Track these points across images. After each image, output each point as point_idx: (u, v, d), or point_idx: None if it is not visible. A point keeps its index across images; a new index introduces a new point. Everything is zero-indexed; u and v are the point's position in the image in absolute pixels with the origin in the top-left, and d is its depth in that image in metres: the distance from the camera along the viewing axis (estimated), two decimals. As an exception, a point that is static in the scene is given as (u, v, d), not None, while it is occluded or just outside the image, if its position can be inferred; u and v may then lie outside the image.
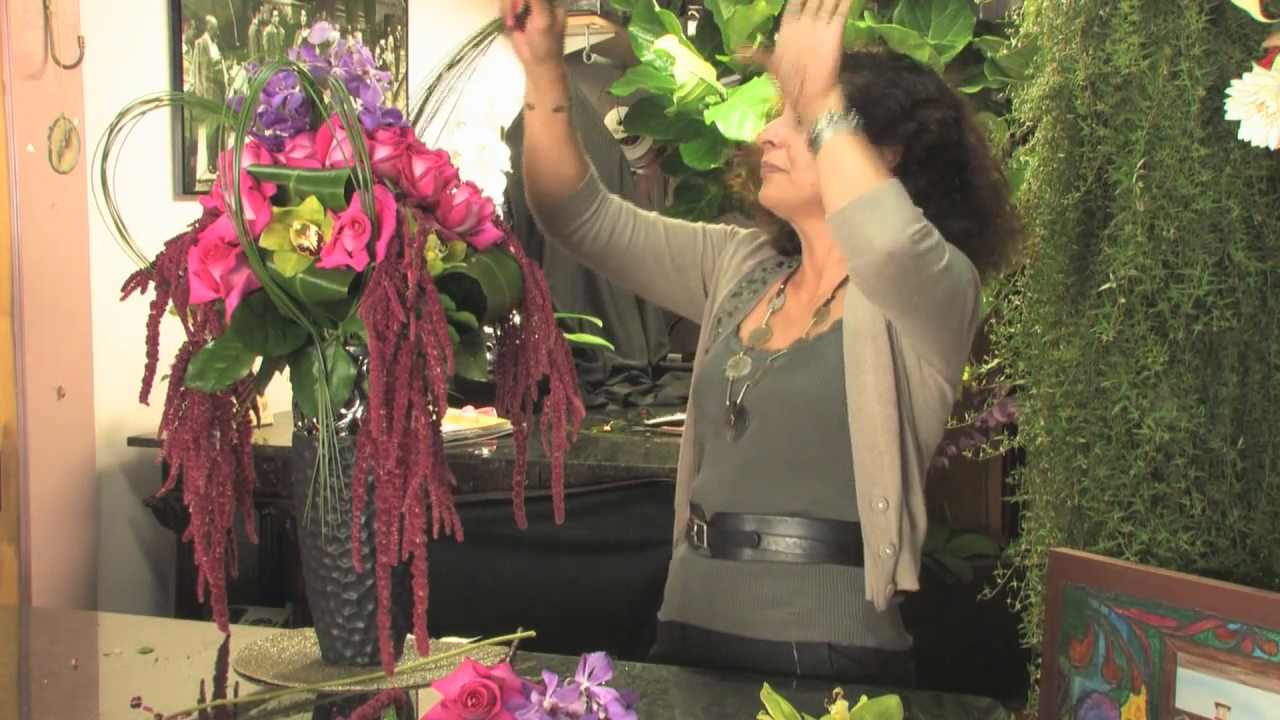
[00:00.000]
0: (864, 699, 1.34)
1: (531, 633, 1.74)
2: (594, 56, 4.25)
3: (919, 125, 1.80)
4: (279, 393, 1.65)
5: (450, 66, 1.80)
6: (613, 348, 3.80)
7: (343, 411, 1.59)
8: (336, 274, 1.49)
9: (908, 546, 1.78)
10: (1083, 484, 2.03)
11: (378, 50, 3.88)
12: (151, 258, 1.59)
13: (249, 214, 1.50)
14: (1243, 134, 1.76)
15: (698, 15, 4.03)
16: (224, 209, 1.51)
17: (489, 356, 1.68)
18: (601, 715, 1.25)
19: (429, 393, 1.49)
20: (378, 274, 1.47)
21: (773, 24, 3.69)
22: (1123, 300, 1.93)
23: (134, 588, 3.20)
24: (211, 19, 3.27)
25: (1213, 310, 1.89)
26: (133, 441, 3.09)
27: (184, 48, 3.20)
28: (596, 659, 1.27)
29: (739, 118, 3.43)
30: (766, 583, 1.80)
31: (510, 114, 3.80)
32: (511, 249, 1.63)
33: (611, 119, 4.28)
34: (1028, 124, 2.20)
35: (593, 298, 3.91)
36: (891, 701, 1.35)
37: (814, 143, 1.67)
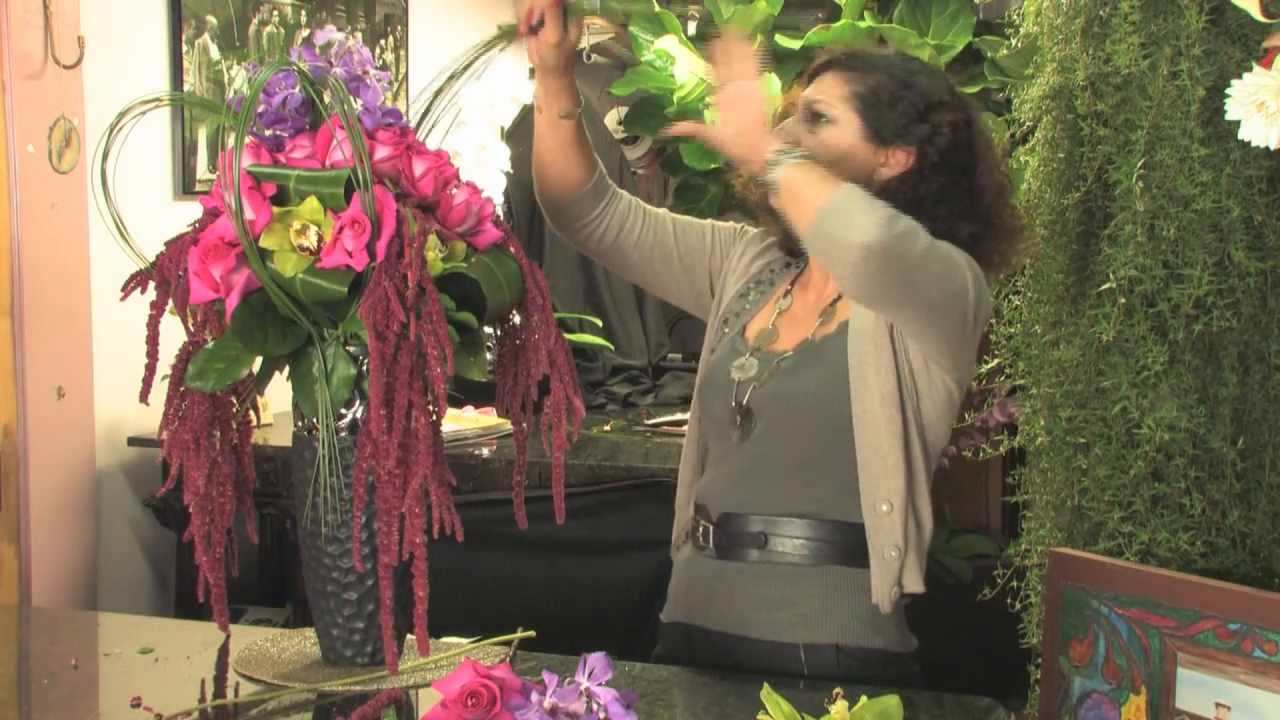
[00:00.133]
0: (864, 699, 1.34)
1: (531, 633, 1.74)
2: (594, 56, 4.24)
3: (932, 129, 1.81)
4: (279, 393, 1.65)
5: (462, 70, 1.80)
6: (613, 348, 3.80)
7: (343, 411, 1.59)
8: (336, 274, 1.49)
9: (913, 549, 1.77)
10: (1083, 484, 2.03)
11: (378, 50, 3.88)
12: (151, 258, 1.59)
13: (249, 214, 1.50)
14: (1243, 134, 1.76)
15: (698, 15, 4.03)
16: (224, 209, 1.51)
17: (489, 356, 1.68)
18: (601, 715, 1.25)
19: (429, 393, 1.49)
20: (378, 274, 1.47)
21: (772, 24, 3.70)
22: (1123, 300, 1.93)
23: (134, 588, 3.20)
24: (211, 19, 3.27)
25: (1213, 310, 1.89)
26: (133, 441, 3.09)
27: (184, 48, 3.20)
28: (596, 659, 1.27)
29: (739, 118, 3.42)
30: (773, 584, 1.80)
31: (510, 114, 3.81)
32: (511, 249, 1.63)
33: (611, 119, 4.28)
34: (1028, 124, 2.20)
35: (593, 298, 3.91)
36: (891, 701, 1.35)
37: (770, 190, 1.68)
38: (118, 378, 3.00)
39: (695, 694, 1.67)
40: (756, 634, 1.80)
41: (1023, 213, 2.09)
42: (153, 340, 1.56)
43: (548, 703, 1.25)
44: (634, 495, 2.91)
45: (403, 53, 3.99)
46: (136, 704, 1.54)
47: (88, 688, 1.69)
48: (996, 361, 2.37)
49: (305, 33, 3.54)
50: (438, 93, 1.80)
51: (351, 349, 1.55)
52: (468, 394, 3.13)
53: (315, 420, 1.58)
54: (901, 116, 1.81)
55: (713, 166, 3.75)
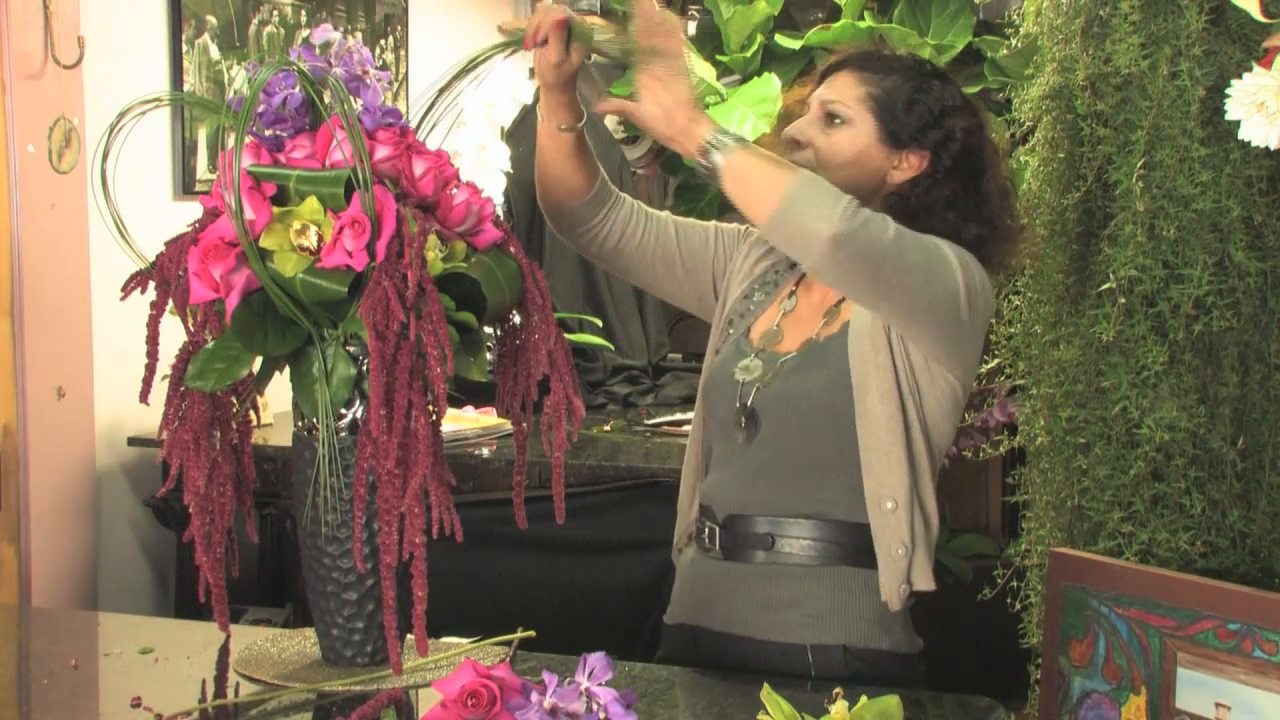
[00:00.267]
0: (864, 699, 1.34)
1: (531, 633, 1.74)
2: (594, 56, 4.24)
3: (946, 134, 1.81)
4: (279, 393, 1.65)
5: (463, 72, 1.80)
6: (613, 348, 3.80)
7: (343, 411, 1.59)
8: (336, 274, 1.49)
9: (921, 546, 1.77)
10: (1083, 484, 2.03)
11: (378, 50, 3.88)
12: (151, 258, 1.59)
13: (249, 214, 1.50)
14: (1243, 134, 1.76)
15: (698, 15, 4.03)
16: (224, 209, 1.51)
17: (489, 356, 1.68)
18: (601, 715, 1.25)
19: (429, 393, 1.49)
20: (378, 274, 1.47)
21: (772, 24, 3.70)
22: (1123, 300, 1.93)
23: (134, 588, 3.20)
24: (211, 19, 3.27)
25: (1213, 310, 1.89)
26: (133, 441, 3.09)
27: (184, 48, 3.20)
28: (596, 659, 1.27)
29: (739, 118, 3.43)
30: (780, 585, 1.80)
31: (510, 114, 3.80)
32: (511, 249, 1.63)
33: (611, 119, 4.28)
34: (1028, 124, 2.20)
35: (593, 298, 3.91)
36: (891, 702, 1.35)
37: (711, 174, 1.68)
38: (118, 378, 3.00)
39: (695, 694, 1.67)
40: (763, 635, 1.80)
41: (1023, 213, 2.09)
42: (153, 340, 1.56)
43: (548, 703, 1.25)
44: (634, 495, 2.91)
45: (403, 53, 3.99)
46: (136, 704, 1.54)
47: (88, 688, 1.69)
48: (996, 361, 2.37)
49: (305, 33, 3.54)
50: (440, 91, 1.79)
51: (351, 349, 1.55)
52: (468, 394, 3.13)
53: (315, 420, 1.58)
54: (918, 120, 1.81)
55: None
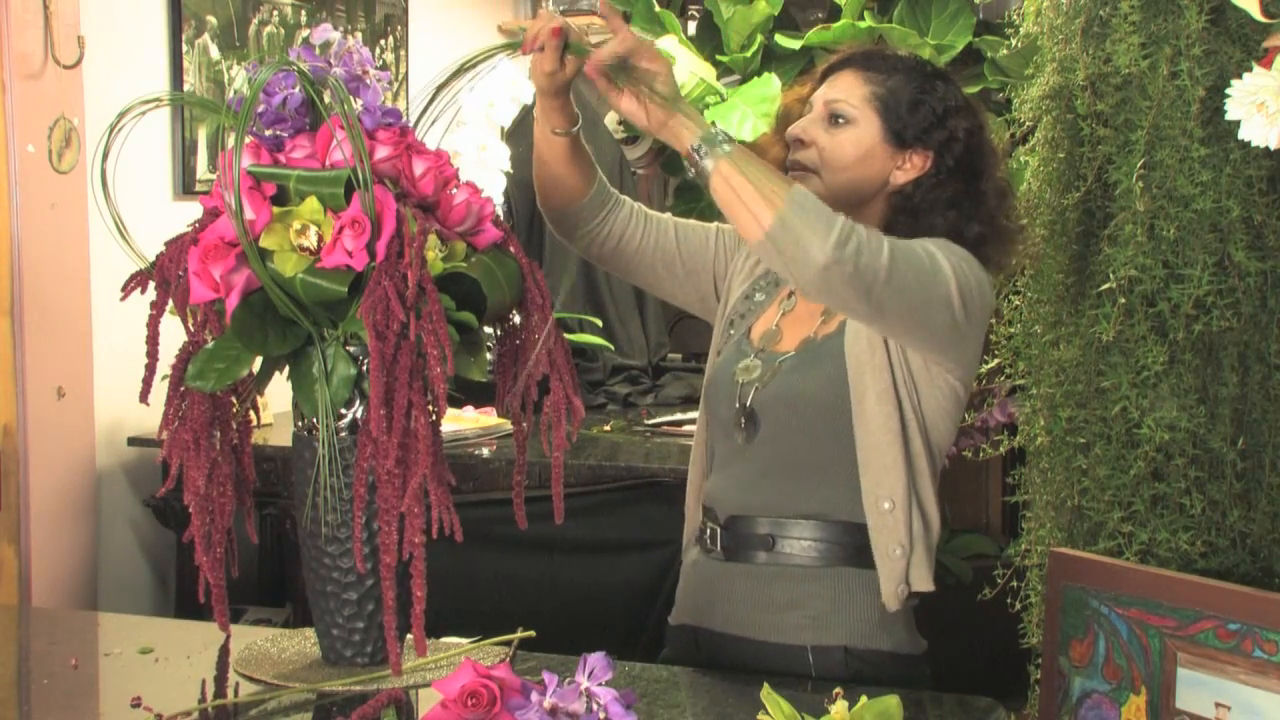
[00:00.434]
0: (864, 699, 1.34)
1: (531, 633, 1.74)
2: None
3: (949, 134, 1.81)
4: (279, 393, 1.65)
5: (460, 72, 1.80)
6: (613, 348, 3.80)
7: (343, 411, 1.59)
8: (336, 274, 1.49)
9: (920, 547, 1.77)
10: (1083, 484, 2.03)
11: (378, 50, 3.88)
12: (151, 258, 1.59)
13: (249, 214, 1.50)
14: (1243, 134, 1.76)
15: (698, 15, 4.03)
16: (224, 209, 1.51)
17: (489, 356, 1.68)
18: (601, 715, 1.25)
19: (429, 393, 1.49)
20: (378, 274, 1.47)
21: (772, 24, 3.70)
22: (1123, 300, 1.93)
23: (134, 588, 3.20)
24: (211, 19, 3.27)
25: (1213, 310, 1.89)
26: (133, 441, 3.09)
27: (184, 48, 3.20)
28: (596, 659, 1.27)
29: (739, 117, 3.43)
30: (781, 586, 1.80)
31: (510, 114, 3.80)
32: (511, 249, 1.63)
33: (611, 119, 4.28)
34: (1028, 124, 2.20)
35: (593, 298, 3.91)
36: (891, 702, 1.35)
37: (700, 175, 1.65)
38: (118, 378, 3.00)
39: (696, 694, 1.67)
40: (764, 636, 1.80)
41: (1023, 213, 2.09)
42: (153, 340, 1.56)
43: (548, 703, 1.25)
44: (634, 495, 2.90)
45: (403, 53, 3.99)
46: (136, 704, 1.54)
47: (88, 688, 1.69)
48: (996, 361, 2.37)
49: (305, 33, 3.54)
50: (439, 91, 1.79)
51: (351, 349, 1.55)
52: (468, 394, 3.13)
53: (315, 420, 1.58)
54: (922, 120, 1.81)
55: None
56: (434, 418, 1.52)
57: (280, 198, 1.54)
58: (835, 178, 1.80)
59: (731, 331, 1.94)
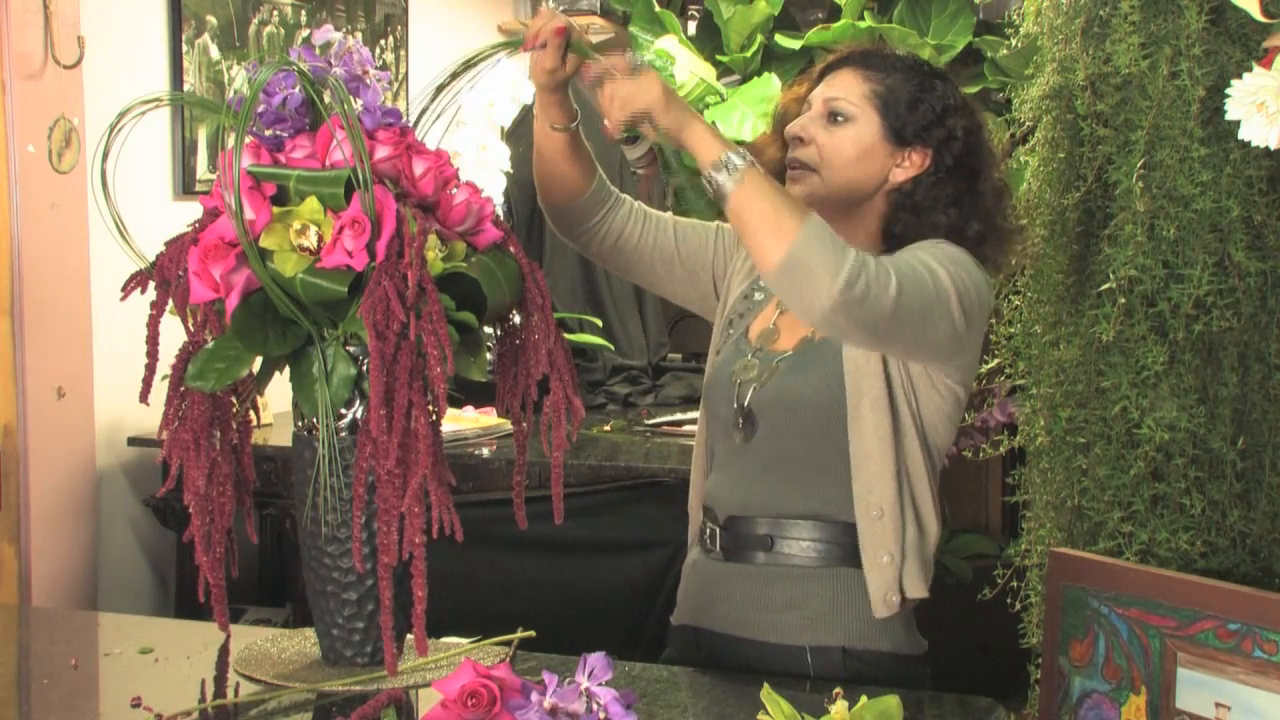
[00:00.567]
0: (864, 699, 1.34)
1: (531, 633, 1.74)
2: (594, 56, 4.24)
3: (948, 133, 1.81)
4: (279, 393, 1.65)
5: (461, 70, 1.80)
6: (613, 348, 3.80)
7: (343, 411, 1.59)
8: (336, 274, 1.49)
9: (913, 554, 1.76)
10: (1083, 484, 2.03)
11: (378, 50, 3.88)
12: (151, 258, 1.59)
13: (249, 214, 1.50)
14: (1243, 134, 1.76)
15: (698, 15, 4.03)
16: (224, 209, 1.51)
17: (489, 356, 1.68)
18: (601, 715, 1.25)
19: (429, 393, 1.49)
20: (378, 274, 1.47)
21: (772, 24, 3.69)
22: (1123, 300, 1.93)
23: (134, 588, 3.20)
24: (211, 19, 3.27)
25: (1213, 310, 1.89)
26: (133, 441, 3.09)
27: (184, 48, 3.20)
28: (596, 659, 1.27)
29: (739, 118, 3.43)
30: (779, 586, 1.79)
31: (510, 114, 3.80)
32: (511, 249, 1.63)
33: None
34: (1028, 124, 2.20)
35: (593, 298, 3.91)
36: (891, 702, 1.35)
37: (717, 195, 1.64)
38: (118, 378, 3.00)
39: (696, 694, 1.67)
40: (762, 636, 1.80)
41: (1022, 213, 2.09)
42: (153, 340, 1.56)
43: (548, 703, 1.25)
44: (634, 495, 2.91)
45: (403, 53, 3.99)
46: (136, 704, 1.54)
47: (88, 688, 1.69)
48: (996, 361, 2.37)
49: (305, 33, 3.54)
50: (439, 90, 1.80)
51: (351, 349, 1.55)
52: (468, 394, 3.13)
53: (315, 420, 1.58)
54: (921, 118, 1.81)
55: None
56: (434, 418, 1.52)
57: (280, 198, 1.54)
58: (834, 176, 1.80)
59: (730, 331, 1.94)
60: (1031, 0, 2.24)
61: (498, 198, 3.75)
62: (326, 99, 1.55)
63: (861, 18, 3.54)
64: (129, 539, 3.18)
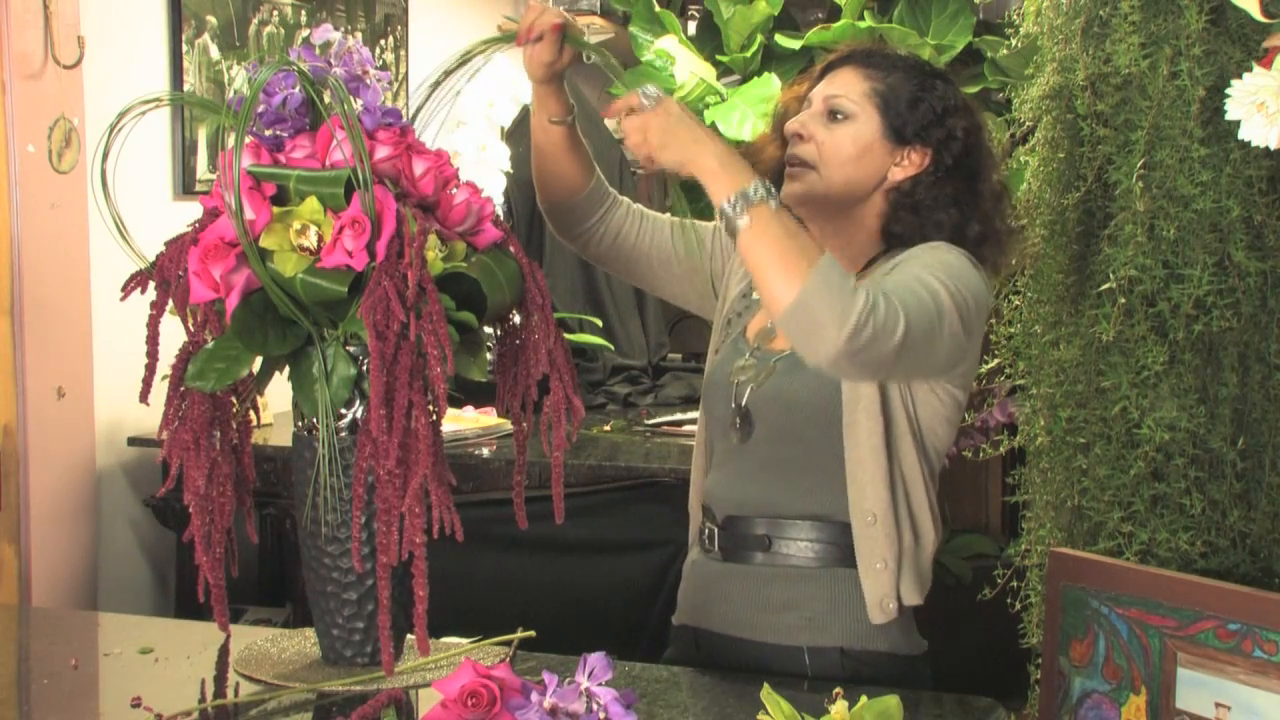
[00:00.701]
0: (864, 699, 1.34)
1: (531, 633, 1.74)
2: (594, 57, 4.24)
3: (948, 133, 1.81)
4: (279, 393, 1.65)
5: (457, 66, 1.81)
6: (613, 348, 3.80)
7: (343, 411, 1.59)
8: (336, 274, 1.49)
9: (908, 562, 1.76)
10: (1083, 484, 2.03)
11: (378, 50, 3.88)
12: (151, 258, 1.59)
13: (249, 214, 1.50)
14: (1243, 134, 1.76)
15: (698, 15, 4.03)
16: (224, 209, 1.51)
17: (489, 356, 1.68)
18: (601, 715, 1.25)
19: (429, 393, 1.49)
20: (378, 274, 1.47)
21: (772, 24, 3.70)
22: (1123, 300, 1.93)
23: (134, 588, 3.20)
24: (211, 19, 3.27)
25: (1213, 310, 1.89)
26: (133, 441, 3.09)
27: (184, 48, 3.20)
28: (596, 659, 1.27)
29: (739, 118, 3.43)
30: (777, 586, 1.79)
31: (510, 114, 3.81)
32: (511, 249, 1.63)
33: (612, 120, 4.28)
34: (1028, 124, 2.20)
35: (593, 298, 3.91)
36: (891, 702, 1.35)
37: (729, 229, 1.60)
38: (118, 378, 3.00)
39: (696, 694, 1.67)
40: (760, 637, 1.79)
41: (1022, 213, 2.09)
42: (153, 340, 1.56)
43: (548, 703, 1.25)
44: (634, 495, 2.90)
45: (403, 53, 3.99)
46: (136, 704, 1.54)
47: (88, 688, 1.69)
48: (996, 361, 2.37)
49: (305, 33, 3.54)
50: (434, 87, 1.80)
51: (351, 349, 1.55)
52: (468, 394, 3.13)
53: (315, 420, 1.58)
54: (922, 118, 1.80)
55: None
56: (434, 418, 1.52)
57: (280, 198, 1.54)
58: (833, 173, 1.80)
59: (729, 330, 1.94)
60: (1031, 0, 2.24)
61: (498, 198, 3.75)
62: (326, 99, 1.55)
63: (861, 18, 3.54)
64: (129, 539, 3.18)
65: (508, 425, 2.68)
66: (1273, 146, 1.75)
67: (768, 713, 1.33)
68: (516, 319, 1.65)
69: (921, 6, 3.59)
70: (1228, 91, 1.77)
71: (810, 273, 1.54)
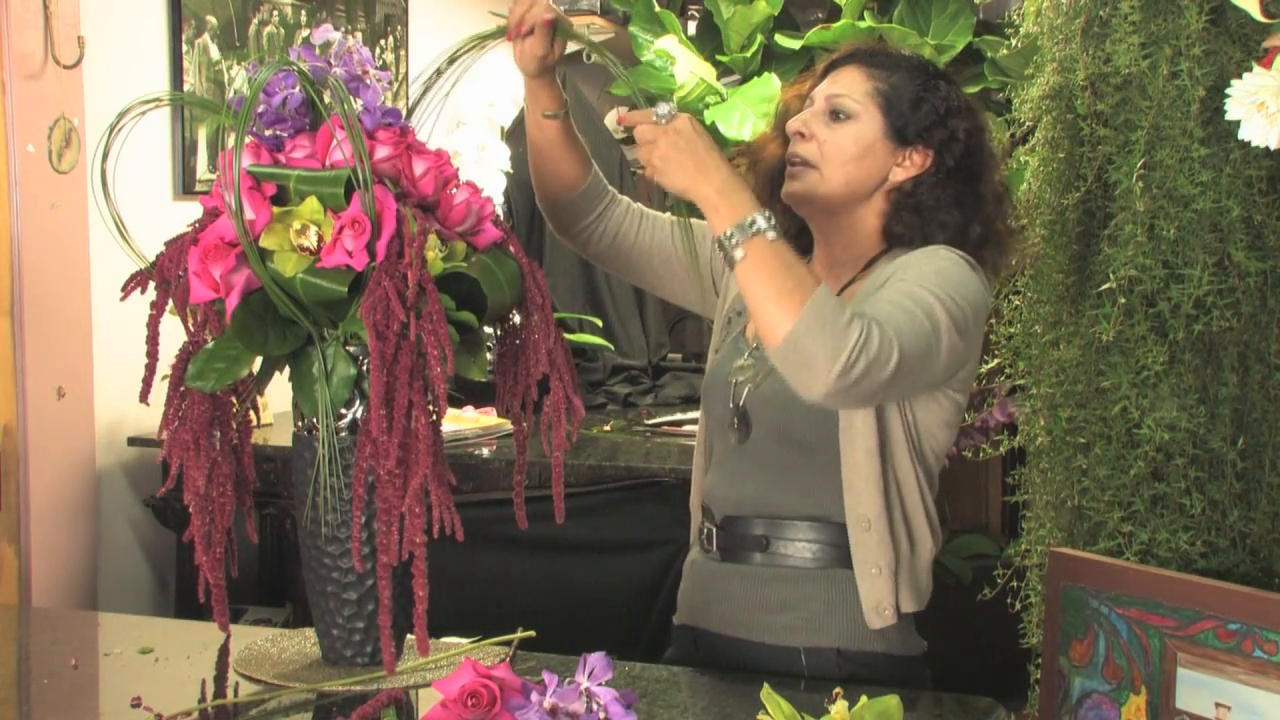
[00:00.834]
0: (864, 699, 1.34)
1: (531, 633, 1.74)
2: (594, 56, 4.24)
3: (950, 134, 1.81)
4: (279, 393, 1.65)
5: (450, 62, 1.81)
6: (613, 348, 3.80)
7: (343, 411, 1.59)
8: (336, 274, 1.49)
9: (905, 569, 1.75)
10: (1083, 484, 2.03)
11: (378, 50, 3.88)
12: (151, 258, 1.59)
13: (249, 214, 1.50)
14: (1243, 134, 1.76)
15: (698, 15, 4.03)
16: (224, 209, 1.51)
17: (489, 356, 1.68)
18: (601, 715, 1.25)
19: (429, 393, 1.49)
20: (378, 274, 1.47)
21: (772, 24, 3.69)
22: (1123, 300, 1.93)
23: (134, 588, 3.20)
24: (211, 19, 3.27)
25: (1213, 310, 1.89)
26: (133, 441, 3.09)
27: (184, 48, 3.20)
28: (596, 659, 1.27)
29: (739, 118, 3.43)
30: (774, 587, 1.79)
31: (510, 114, 3.81)
32: (511, 249, 1.63)
33: (611, 119, 4.28)
34: (1028, 124, 2.20)
35: (593, 298, 3.91)
36: (891, 702, 1.35)
37: (726, 262, 1.59)
38: (118, 378, 3.00)
39: (696, 694, 1.67)
40: (757, 637, 1.79)
41: (1022, 213, 2.09)
42: (153, 340, 1.56)
43: (548, 703, 1.25)
44: (634, 495, 2.91)
45: (403, 53, 3.99)
46: (136, 704, 1.54)
47: (88, 688, 1.69)
48: (996, 361, 2.37)
49: (305, 33, 3.54)
50: (426, 87, 1.80)
51: (351, 349, 1.55)
52: (468, 394, 3.13)
53: (315, 420, 1.58)
54: (924, 118, 1.80)
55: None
56: (434, 418, 1.52)
57: (280, 198, 1.54)
58: (835, 173, 1.80)
59: (729, 329, 1.93)
60: (1031, 0, 2.24)
61: (498, 198, 3.75)
62: (326, 99, 1.55)
63: (861, 18, 3.54)
64: (129, 539, 3.18)
65: (508, 425, 2.68)
66: (1273, 146, 1.75)
67: (768, 713, 1.33)
68: (516, 319, 1.65)
69: (921, 6, 3.58)
70: (1228, 91, 1.76)
71: (801, 311, 1.53)
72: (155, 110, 1.62)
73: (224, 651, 1.73)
